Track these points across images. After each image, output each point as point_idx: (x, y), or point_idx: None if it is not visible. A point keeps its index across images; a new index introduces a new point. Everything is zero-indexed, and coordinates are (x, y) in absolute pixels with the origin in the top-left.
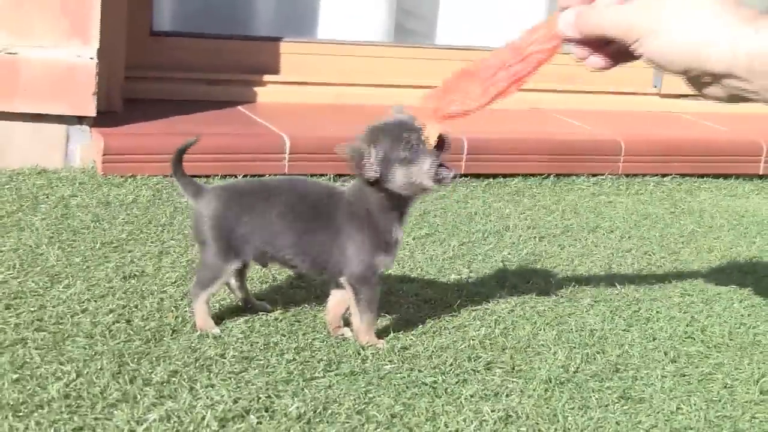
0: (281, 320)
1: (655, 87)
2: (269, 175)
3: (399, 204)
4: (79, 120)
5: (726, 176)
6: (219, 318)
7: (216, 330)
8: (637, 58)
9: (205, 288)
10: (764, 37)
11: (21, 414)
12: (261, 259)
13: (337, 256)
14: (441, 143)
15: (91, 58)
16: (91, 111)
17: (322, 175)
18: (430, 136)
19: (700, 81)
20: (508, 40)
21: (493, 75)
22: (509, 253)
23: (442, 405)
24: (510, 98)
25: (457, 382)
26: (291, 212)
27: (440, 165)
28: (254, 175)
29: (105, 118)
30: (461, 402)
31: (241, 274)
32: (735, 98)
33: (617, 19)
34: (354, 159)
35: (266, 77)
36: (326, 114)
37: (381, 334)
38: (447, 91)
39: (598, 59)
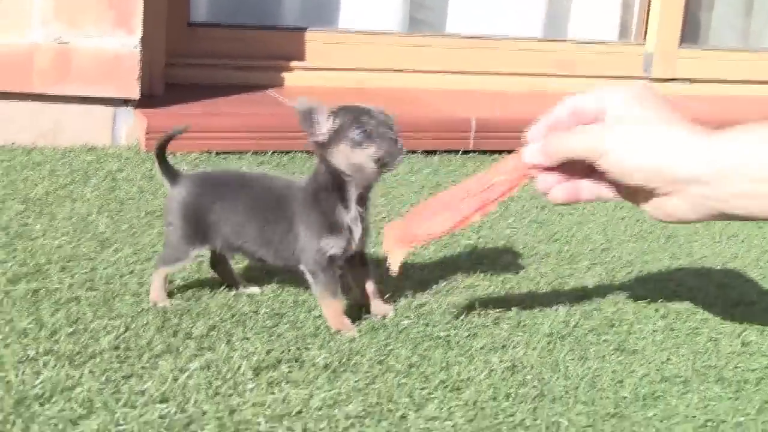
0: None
1: (646, 72)
2: (295, 152)
3: (342, 184)
4: (125, 102)
5: None
6: (250, 280)
7: (166, 303)
8: (603, 177)
9: (166, 264)
10: (723, 147)
11: (76, 363)
12: (228, 249)
13: (294, 245)
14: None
15: (135, 47)
16: (136, 94)
17: None
18: (394, 262)
19: (661, 193)
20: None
21: (459, 202)
22: (514, 221)
23: (455, 356)
24: (514, 82)
25: (468, 336)
26: (255, 204)
27: (392, 147)
28: (283, 152)
29: (148, 100)
30: (472, 353)
31: (221, 263)
32: (700, 209)
33: (582, 139)
34: (306, 115)
35: (293, 63)
36: (348, 97)
37: (397, 294)
38: (412, 219)
39: (559, 193)
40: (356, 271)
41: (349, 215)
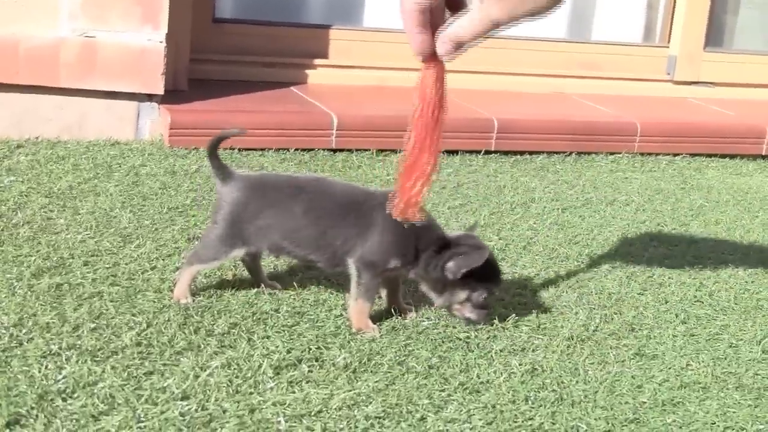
0: (330, 279)
1: (669, 74)
2: (317, 149)
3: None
4: (149, 97)
5: (732, 156)
6: (273, 277)
7: (189, 301)
8: None
9: (201, 262)
10: None
11: (98, 359)
12: (275, 252)
13: (357, 244)
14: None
15: (160, 42)
16: (160, 89)
17: (365, 149)
18: (416, 216)
19: None
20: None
21: (430, 139)
22: (535, 223)
23: (475, 358)
24: (538, 83)
25: (488, 338)
26: (316, 209)
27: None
28: (305, 149)
29: (172, 96)
30: (492, 356)
31: (254, 260)
32: None
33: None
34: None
35: (316, 61)
36: (370, 95)
37: (418, 296)
38: (404, 184)
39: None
40: (392, 280)
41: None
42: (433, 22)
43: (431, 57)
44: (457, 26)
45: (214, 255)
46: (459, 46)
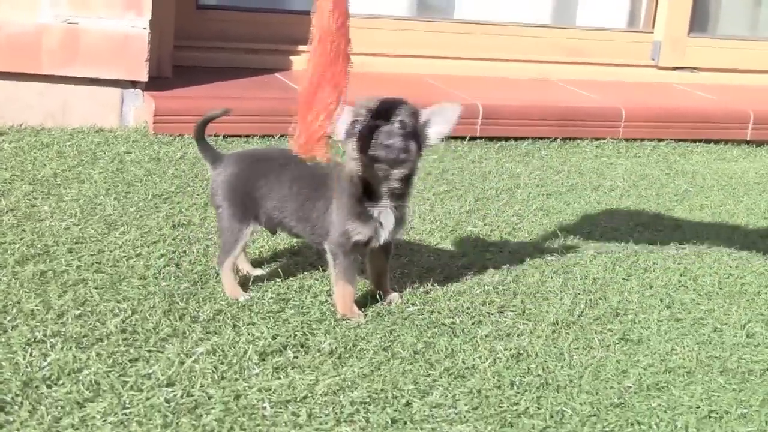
0: (315, 266)
1: (653, 60)
2: None
3: (366, 181)
4: (133, 84)
5: (716, 141)
6: (257, 263)
7: (245, 296)
8: None
9: (228, 253)
10: None
11: (83, 345)
12: (270, 224)
13: (328, 225)
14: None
15: (144, 29)
16: (144, 76)
17: None
18: (322, 158)
19: None
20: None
21: (332, 71)
22: (520, 209)
23: (460, 343)
24: (521, 69)
25: (473, 324)
26: (297, 181)
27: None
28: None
29: (156, 82)
30: (477, 341)
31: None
32: None
33: None
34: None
35: (300, 47)
36: (353, 80)
37: (404, 281)
38: (304, 118)
39: None
40: (377, 258)
41: (378, 206)
42: None
43: None
44: None
45: (234, 238)
46: None
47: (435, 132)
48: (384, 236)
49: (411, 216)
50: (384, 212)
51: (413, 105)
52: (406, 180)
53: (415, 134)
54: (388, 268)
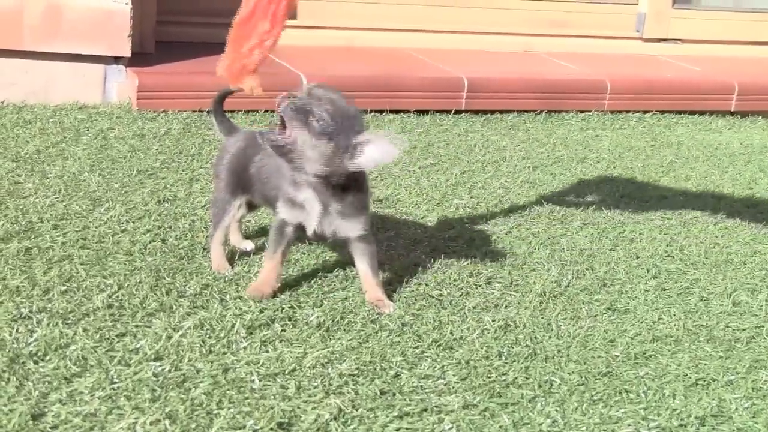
0: (302, 239)
1: (638, 32)
2: None
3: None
4: (116, 60)
5: (701, 113)
6: (246, 238)
7: (230, 271)
8: None
9: (217, 225)
10: None
11: (69, 321)
12: (261, 199)
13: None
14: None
15: (126, 4)
16: (127, 52)
17: None
18: (252, 89)
19: None
20: None
21: (276, 6)
22: (506, 181)
23: (448, 315)
24: (505, 42)
25: (460, 295)
26: (268, 159)
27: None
28: (274, 111)
29: (139, 58)
30: (465, 312)
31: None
32: None
33: None
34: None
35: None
36: (339, 55)
37: (390, 253)
38: (237, 46)
39: None
40: (355, 258)
41: (302, 195)
42: None
43: None
44: None
45: (223, 207)
46: None
47: (369, 153)
48: (312, 225)
49: (369, 218)
50: (309, 200)
51: (353, 113)
52: (326, 178)
53: (331, 137)
54: (371, 273)
